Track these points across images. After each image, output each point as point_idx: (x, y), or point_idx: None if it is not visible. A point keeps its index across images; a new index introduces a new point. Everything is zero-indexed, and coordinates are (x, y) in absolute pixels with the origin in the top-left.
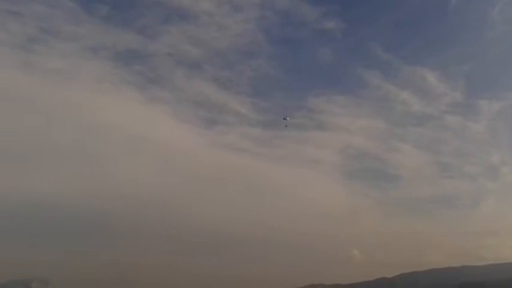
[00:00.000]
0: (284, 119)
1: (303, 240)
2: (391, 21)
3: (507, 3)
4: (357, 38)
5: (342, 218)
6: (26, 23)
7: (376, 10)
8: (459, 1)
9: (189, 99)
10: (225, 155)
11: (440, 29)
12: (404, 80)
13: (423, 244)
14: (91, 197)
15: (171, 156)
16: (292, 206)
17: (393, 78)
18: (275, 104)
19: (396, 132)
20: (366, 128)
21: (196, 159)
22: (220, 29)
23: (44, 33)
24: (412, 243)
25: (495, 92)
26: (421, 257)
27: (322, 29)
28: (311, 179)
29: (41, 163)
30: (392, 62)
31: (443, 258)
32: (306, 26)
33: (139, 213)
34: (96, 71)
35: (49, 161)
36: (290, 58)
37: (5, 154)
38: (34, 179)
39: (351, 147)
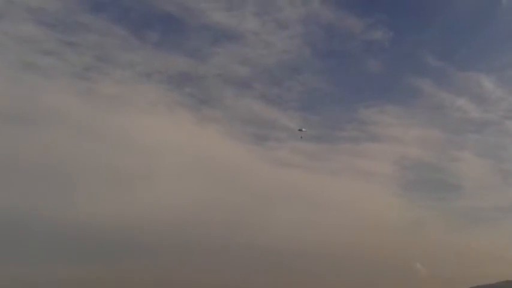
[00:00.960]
0: (299, 130)
1: (363, 254)
2: (440, 26)
3: None
4: (406, 47)
5: (402, 231)
6: (83, 52)
7: (424, 17)
8: (510, 1)
9: (240, 117)
10: (277, 171)
11: (492, 31)
12: (459, 87)
13: (488, 256)
14: (146, 218)
15: (224, 174)
16: (349, 219)
17: (447, 85)
18: (325, 117)
19: (454, 140)
20: (421, 137)
21: (249, 176)
22: (266, 46)
23: (99, 61)
24: (477, 255)
25: None
26: (486, 270)
27: (369, 40)
28: (367, 192)
29: (100, 185)
30: (445, 68)
31: (510, 270)
32: (352, 38)
33: (194, 232)
34: (150, 94)
35: (107, 183)
36: (338, 71)
37: (65, 177)
38: (94, 202)
39: (407, 158)
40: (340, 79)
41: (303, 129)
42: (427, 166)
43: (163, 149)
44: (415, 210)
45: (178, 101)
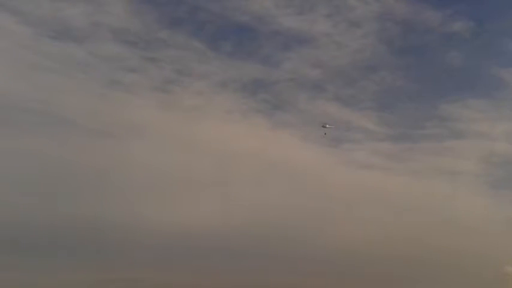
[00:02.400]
0: (323, 126)
1: (449, 257)
2: None
3: None
4: (488, 36)
5: (491, 232)
6: (163, 67)
7: (506, 3)
8: None
9: (314, 120)
10: (356, 173)
11: None
12: None
13: None
14: (225, 224)
15: (301, 178)
16: (433, 221)
17: None
18: (403, 115)
19: None
20: (509, 132)
21: (326, 180)
22: (339, 47)
23: (178, 74)
24: None
25: None
26: None
27: (448, 32)
28: (452, 192)
29: (182, 193)
30: None
31: None
32: (430, 31)
33: (272, 237)
34: (225, 103)
35: (189, 190)
36: (416, 66)
37: (150, 187)
38: (176, 209)
39: (495, 155)
40: (418, 75)
41: (327, 126)
42: None
43: (239, 155)
44: (505, 210)
45: (253, 107)
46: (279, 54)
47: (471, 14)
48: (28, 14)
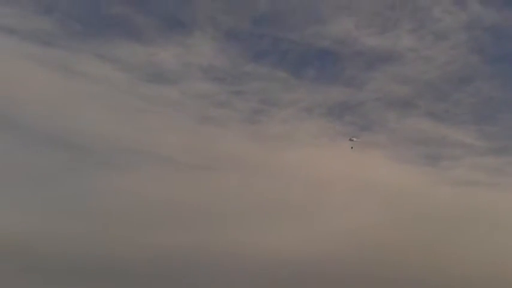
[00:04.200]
0: (350, 140)
1: None
2: None
3: None
4: None
5: None
6: (249, 99)
7: None
8: None
9: (406, 139)
10: (456, 191)
11: None
12: None
13: None
14: (321, 249)
15: (398, 200)
16: None
17: None
18: (505, 127)
19: None
20: None
21: (424, 199)
22: (426, 61)
23: (264, 104)
24: None
25: None
26: None
27: None
28: None
29: (275, 220)
30: None
31: None
32: None
33: (369, 259)
34: (312, 128)
35: (282, 217)
36: None
37: (245, 215)
38: (273, 236)
39: None
40: None
41: (354, 139)
42: None
43: (329, 180)
44: None
45: (340, 130)
46: (363, 74)
47: None
48: (124, 61)
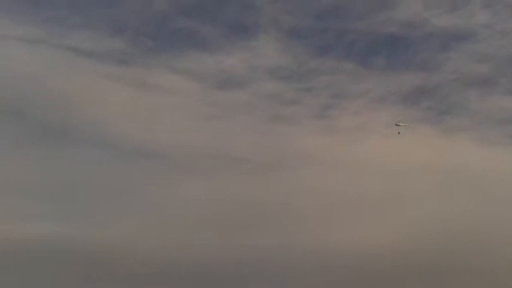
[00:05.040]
0: (396, 125)
1: None
2: None
3: None
4: None
5: None
6: (319, 94)
7: None
8: None
9: (490, 119)
10: None
11: None
12: None
13: None
14: (403, 242)
15: (487, 185)
16: None
17: None
18: None
19: None
20: None
21: None
22: (504, 36)
23: (334, 98)
24: None
25: None
26: None
27: None
28: None
29: (357, 214)
30: None
31: None
32: None
33: (458, 249)
34: (386, 118)
35: (363, 211)
36: None
37: (324, 211)
38: (354, 230)
39: None
40: None
41: (401, 124)
42: None
43: (410, 169)
44: None
45: (417, 117)
46: (438, 56)
47: None
48: (194, 71)
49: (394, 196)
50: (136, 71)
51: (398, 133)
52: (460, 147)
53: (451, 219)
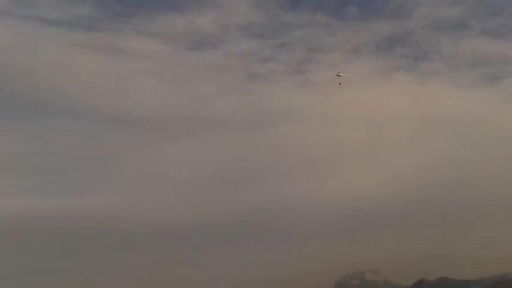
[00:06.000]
0: (337, 75)
1: None
2: None
3: None
4: None
5: None
6: (293, 49)
7: None
8: None
9: (464, 62)
10: None
11: None
12: None
13: None
14: (387, 191)
15: (464, 127)
16: None
17: None
18: None
19: None
20: None
21: (492, 124)
22: None
23: (310, 52)
24: None
25: None
26: None
27: None
28: None
29: (340, 166)
30: None
31: None
32: None
33: (442, 196)
34: (362, 68)
35: (345, 162)
36: None
37: (305, 165)
38: (338, 182)
39: None
40: None
41: (342, 74)
42: None
43: (389, 117)
44: None
45: (393, 65)
46: (409, 2)
47: None
48: (165, 33)
49: (373, 145)
50: (105, 36)
51: (340, 84)
52: (436, 93)
53: (433, 166)
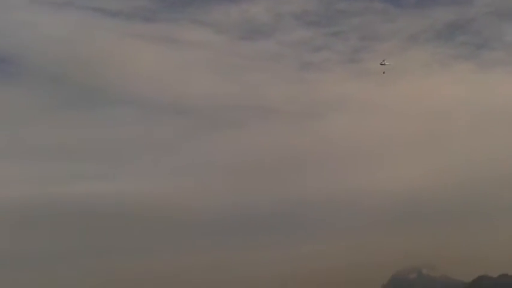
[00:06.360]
0: (381, 64)
1: None
2: None
3: None
4: None
5: None
6: (347, 38)
7: None
8: None
9: None
10: None
11: None
12: None
13: None
14: (447, 181)
15: None
16: None
17: None
18: None
19: None
20: None
21: None
22: None
23: (365, 40)
24: None
25: None
26: None
27: None
28: None
29: (397, 156)
30: None
31: None
32: None
33: (496, 187)
34: (419, 56)
35: (394, 154)
36: None
37: (360, 156)
38: (384, 174)
39: None
40: None
41: (386, 63)
42: None
43: (448, 108)
44: None
45: (452, 54)
46: None
47: None
48: (220, 23)
49: (432, 138)
50: (161, 27)
51: (384, 72)
52: (497, 82)
53: (488, 157)
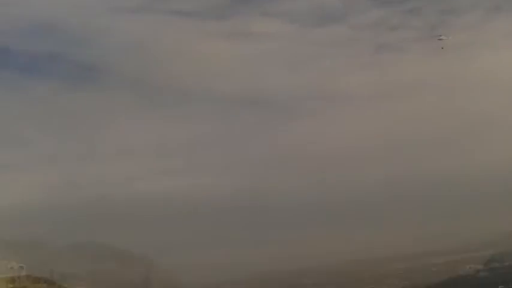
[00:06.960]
0: (439, 39)
1: None
2: None
3: None
4: None
5: None
6: (424, 14)
7: None
8: None
9: None
10: None
11: None
12: None
13: None
14: None
15: None
16: None
17: None
18: None
19: None
20: None
21: None
22: None
23: (443, 15)
24: None
25: None
26: None
27: None
28: None
29: (479, 137)
30: None
31: None
32: None
33: None
34: (504, 27)
35: (484, 133)
36: None
37: (444, 137)
38: (477, 155)
39: None
40: None
41: (443, 37)
42: None
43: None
44: None
45: None
46: None
47: None
48: (289, 12)
49: None
50: (234, 23)
51: (442, 48)
52: None
53: None
